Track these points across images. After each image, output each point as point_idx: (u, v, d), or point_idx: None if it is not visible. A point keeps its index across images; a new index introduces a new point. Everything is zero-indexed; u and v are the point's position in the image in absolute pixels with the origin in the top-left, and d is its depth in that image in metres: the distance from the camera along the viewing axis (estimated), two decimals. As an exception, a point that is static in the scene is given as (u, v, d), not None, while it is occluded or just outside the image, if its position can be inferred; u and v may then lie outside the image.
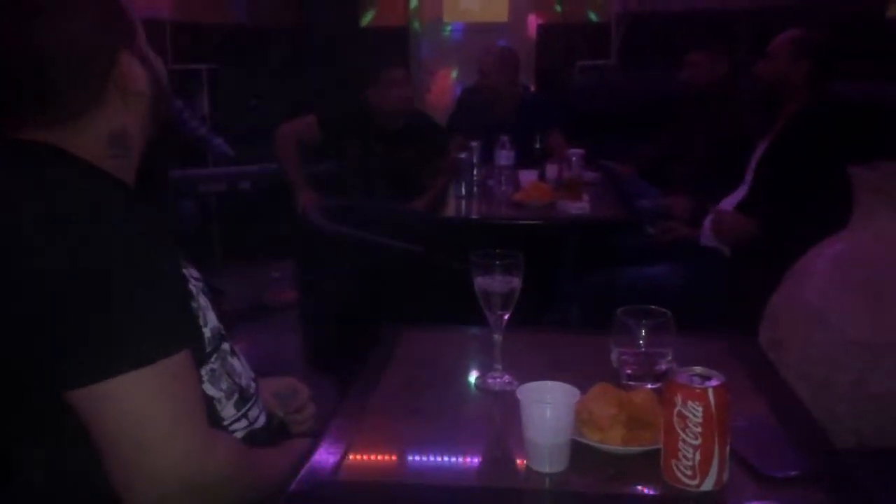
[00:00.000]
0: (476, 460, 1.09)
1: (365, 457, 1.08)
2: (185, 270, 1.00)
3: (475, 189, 3.07)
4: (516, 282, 1.23)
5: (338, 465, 1.02)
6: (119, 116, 0.97)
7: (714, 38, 3.51)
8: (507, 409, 1.12)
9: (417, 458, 1.10)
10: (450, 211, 2.98)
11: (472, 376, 1.32)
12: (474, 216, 2.98)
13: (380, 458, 1.11)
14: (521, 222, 2.80)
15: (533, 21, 5.70)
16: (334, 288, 2.52)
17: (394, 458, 1.11)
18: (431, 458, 1.10)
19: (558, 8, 5.57)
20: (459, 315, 1.42)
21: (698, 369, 0.94)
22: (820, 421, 1.17)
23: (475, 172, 3.09)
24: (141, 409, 0.84)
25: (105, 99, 0.95)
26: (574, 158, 2.97)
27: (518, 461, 1.03)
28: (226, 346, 1.09)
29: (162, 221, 0.92)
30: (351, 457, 1.05)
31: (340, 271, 2.58)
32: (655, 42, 4.78)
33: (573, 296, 2.69)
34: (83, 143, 0.95)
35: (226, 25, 5.18)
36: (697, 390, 0.90)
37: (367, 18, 5.77)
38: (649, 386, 1.16)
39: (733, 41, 3.74)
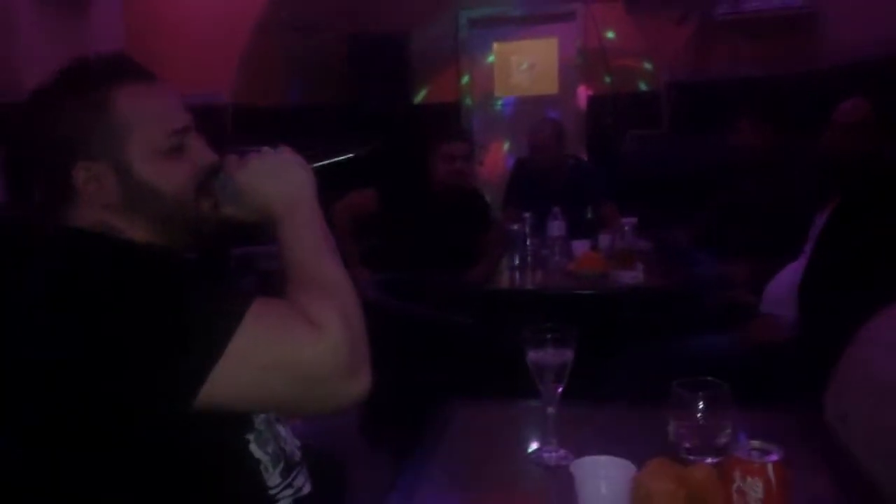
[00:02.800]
0: (531, 538, 1.07)
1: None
2: None
3: (529, 260, 3.08)
4: (569, 354, 1.23)
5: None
6: (96, 213, 1.06)
7: (763, 105, 3.50)
8: (562, 485, 1.10)
9: (472, 535, 1.08)
10: (504, 282, 2.99)
11: (527, 451, 1.30)
12: (528, 287, 2.99)
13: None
14: (575, 293, 2.79)
15: (583, 92, 5.78)
16: (389, 361, 2.54)
17: (448, 535, 1.09)
18: (486, 536, 1.08)
19: (607, 79, 5.65)
20: (516, 386, 1.41)
21: (757, 443, 0.92)
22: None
23: (528, 243, 3.11)
24: (260, 359, 0.93)
25: (77, 195, 1.05)
26: (626, 228, 2.96)
27: (574, 539, 1.01)
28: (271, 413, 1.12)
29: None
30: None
31: (396, 345, 2.60)
32: (706, 109, 4.79)
33: (630, 367, 2.65)
34: (82, 223, 1.06)
35: (284, 106, 5.38)
36: (756, 465, 0.88)
37: (420, 96, 5.94)
38: (709, 460, 1.13)
39: (782, 107, 3.73)
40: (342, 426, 2.84)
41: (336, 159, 1.24)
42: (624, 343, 2.74)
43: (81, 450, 0.93)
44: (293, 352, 0.94)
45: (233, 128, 4.67)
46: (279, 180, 1.11)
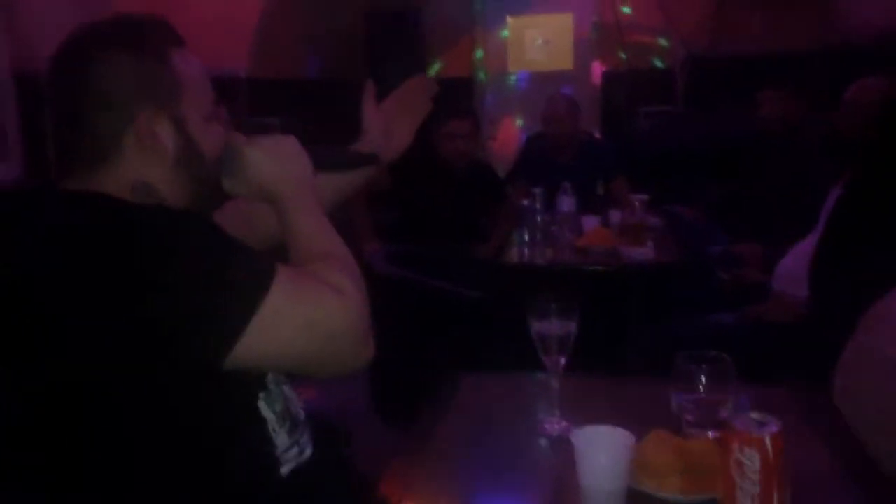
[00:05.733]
0: (532, 506, 1.09)
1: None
2: None
3: (538, 235, 3.09)
4: (572, 326, 1.23)
5: (394, 510, 1.04)
6: (139, 168, 1.06)
7: (782, 80, 3.45)
8: (564, 455, 1.11)
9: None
10: (513, 257, 2.99)
11: (530, 422, 1.32)
12: (538, 262, 2.99)
13: None
14: (584, 268, 2.79)
15: (597, 68, 5.73)
16: (399, 334, 2.56)
17: None
18: (487, 504, 1.10)
19: (623, 55, 5.60)
20: (522, 360, 1.43)
21: (755, 415, 0.93)
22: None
23: (538, 219, 3.11)
24: (291, 319, 0.96)
25: (125, 149, 1.05)
26: (637, 203, 2.95)
27: (574, 508, 1.02)
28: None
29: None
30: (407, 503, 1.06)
31: (405, 318, 2.61)
32: (720, 86, 4.75)
33: (639, 343, 2.65)
34: (109, 187, 1.04)
35: (299, 80, 5.37)
36: (754, 437, 0.89)
37: (433, 70, 5.90)
38: (711, 433, 1.14)
39: (802, 83, 3.68)
40: (350, 395, 2.88)
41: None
42: (633, 319, 2.75)
43: (104, 405, 0.94)
44: (320, 312, 0.99)
45: (248, 102, 4.67)
46: (289, 161, 1.16)
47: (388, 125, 1.49)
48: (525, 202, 3.13)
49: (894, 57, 3.34)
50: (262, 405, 1.07)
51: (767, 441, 0.88)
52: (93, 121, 1.03)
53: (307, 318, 0.98)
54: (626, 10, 5.55)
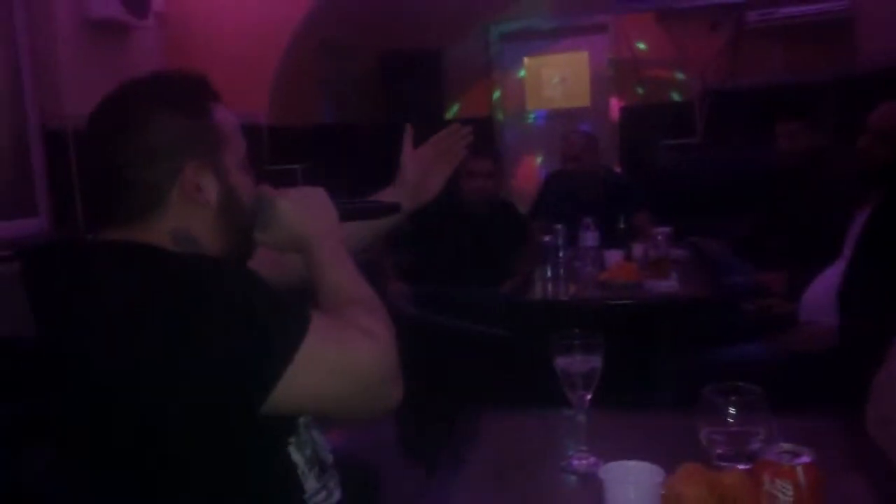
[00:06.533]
0: (562, 545, 1.07)
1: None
2: None
3: (562, 271, 3.08)
4: (597, 361, 1.23)
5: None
6: (182, 218, 1.08)
7: (800, 110, 3.45)
8: (592, 492, 1.10)
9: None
10: (537, 294, 2.98)
11: (558, 458, 1.30)
12: (562, 298, 2.98)
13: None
14: (609, 303, 2.77)
15: (615, 104, 5.77)
16: (425, 374, 2.55)
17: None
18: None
19: (640, 90, 5.63)
20: (550, 398, 1.42)
21: (787, 446, 0.91)
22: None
23: (561, 255, 3.10)
24: (327, 364, 0.99)
25: (169, 201, 1.07)
26: (660, 237, 2.94)
27: (605, 545, 1.01)
28: (307, 417, 1.15)
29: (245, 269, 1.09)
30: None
31: (431, 358, 2.61)
32: (740, 117, 4.75)
33: (666, 377, 2.62)
34: (150, 238, 1.06)
35: (318, 126, 5.44)
36: (786, 468, 0.87)
37: (452, 111, 5.97)
38: (741, 466, 1.12)
39: (820, 112, 3.68)
40: (377, 437, 2.86)
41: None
42: (660, 353, 2.72)
43: (139, 453, 0.96)
44: (354, 356, 1.01)
45: (269, 149, 4.74)
46: (317, 212, 1.21)
47: (424, 171, 1.54)
48: (547, 239, 3.13)
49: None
50: (292, 450, 1.08)
51: (800, 472, 0.87)
52: (139, 174, 1.05)
53: (342, 363, 1.00)
54: (641, 45, 5.60)
